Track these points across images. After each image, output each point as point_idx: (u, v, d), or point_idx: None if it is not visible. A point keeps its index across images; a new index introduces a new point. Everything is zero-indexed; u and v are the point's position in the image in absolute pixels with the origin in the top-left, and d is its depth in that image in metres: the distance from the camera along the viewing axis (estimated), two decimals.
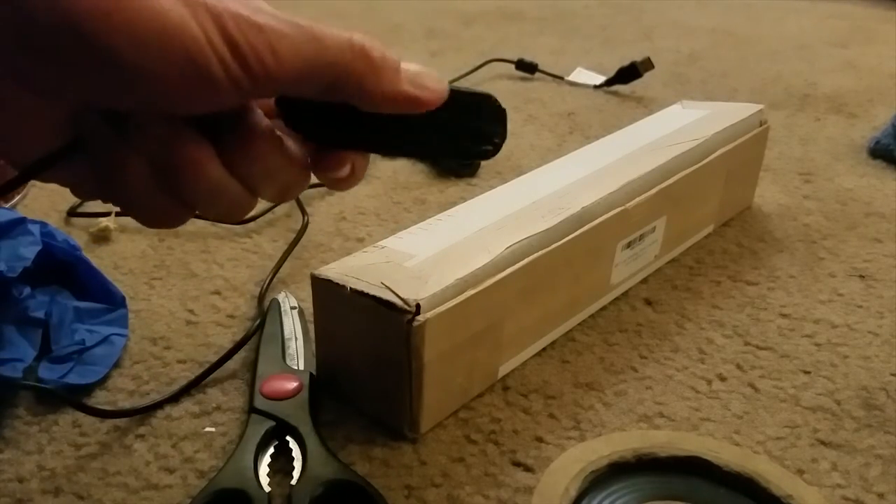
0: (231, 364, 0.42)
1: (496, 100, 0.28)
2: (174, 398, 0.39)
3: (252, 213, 0.58)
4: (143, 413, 0.38)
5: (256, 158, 0.27)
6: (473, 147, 0.29)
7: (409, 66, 0.27)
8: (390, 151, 0.30)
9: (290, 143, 0.28)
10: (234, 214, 0.28)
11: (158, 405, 0.39)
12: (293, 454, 0.34)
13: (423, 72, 0.27)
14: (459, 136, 0.29)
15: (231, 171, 0.26)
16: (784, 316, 0.47)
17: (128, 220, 0.57)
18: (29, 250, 0.42)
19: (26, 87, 0.24)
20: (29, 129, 0.26)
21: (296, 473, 0.33)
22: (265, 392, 0.37)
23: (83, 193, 0.29)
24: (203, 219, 0.28)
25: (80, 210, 0.58)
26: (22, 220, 0.43)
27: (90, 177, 0.27)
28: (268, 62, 0.23)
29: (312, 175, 0.29)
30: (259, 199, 0.28)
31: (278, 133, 0.27)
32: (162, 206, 0.27)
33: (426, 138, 0.28)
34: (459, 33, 1.13)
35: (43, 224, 0.44)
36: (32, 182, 0.63)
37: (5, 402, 0.39)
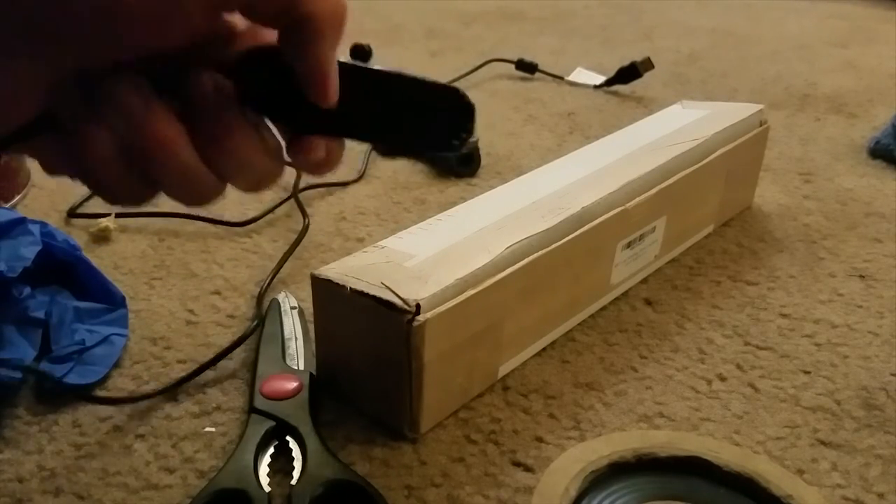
0: (231, 364, 0.42)
1: (463, 94, 0.28)
2: (172, 389, 0.39)
3: (253, 214, 0.58)
4: (145, 399, 0.38)
5: (231, 149, 0.26)
6: (439, 140, 0.29)
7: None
8: (352, 136, 0.29)
9: (266, 134, 0.27)
10: (201, 200, 0.27)
11: (158, 393, 0.39)
12: (293, 454, 0.34)
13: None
14: (424, 127, 0.28)
15: (203, 157, 0.26)
16: (784, 316, 0.47)
17: (128, 220, 0.57)
18: (29, 250, 0.42)
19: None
20: (7, 102, 0.24)
21: (296, 473, 0.33)
22: (265, 392, 0.37)
23: (53, 169, 0.28)
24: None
25: (80, 210, 0.58)
26: (22, 220, 0.43)
27: (60, 152, 0.26)
28: None
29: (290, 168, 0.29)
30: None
31: (253, 123, 0.27)
32: (128, 186, 0.26)
33: (389, 125, 0.28)
34: (459, 33, 1.13)
35: (43, 224, 0.44)
36: (32, 182, 0.63)
37: (5, 401, 0.39)
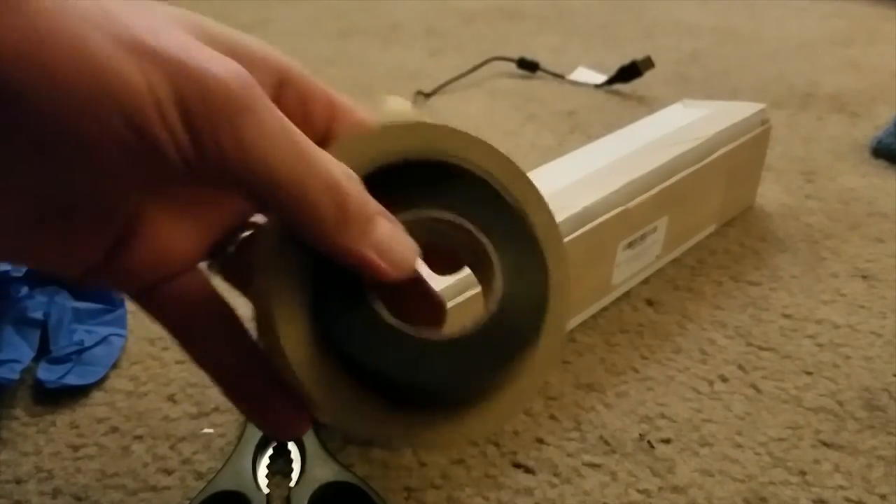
0: None
1: None
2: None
3: None
4: None
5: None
6: None
7: (382, 226, 0.22)
8: None
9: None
10: None
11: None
12: (292, 456, 0.34)
13: (395, 238, 0.22)
14: None
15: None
16: (786, 316, 0.46)
17: None
18: None
19: None
20: None
21: (294, 475, 0.33)
22: None
23: None
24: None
25: None
26: None
27: None
28: (227, 151, 0.19)
29: None
30: None
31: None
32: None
33: None
34: (460, 31, 1.12)
35: None
36: None
37: (3, 402, 0.39)
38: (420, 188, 0.25)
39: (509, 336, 0.24)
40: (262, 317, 0.23)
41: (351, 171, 0.21)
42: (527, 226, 0.25)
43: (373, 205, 0.22)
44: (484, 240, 0.25)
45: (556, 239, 0.26)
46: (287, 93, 0.23)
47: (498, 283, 0.24)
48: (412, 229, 0.23)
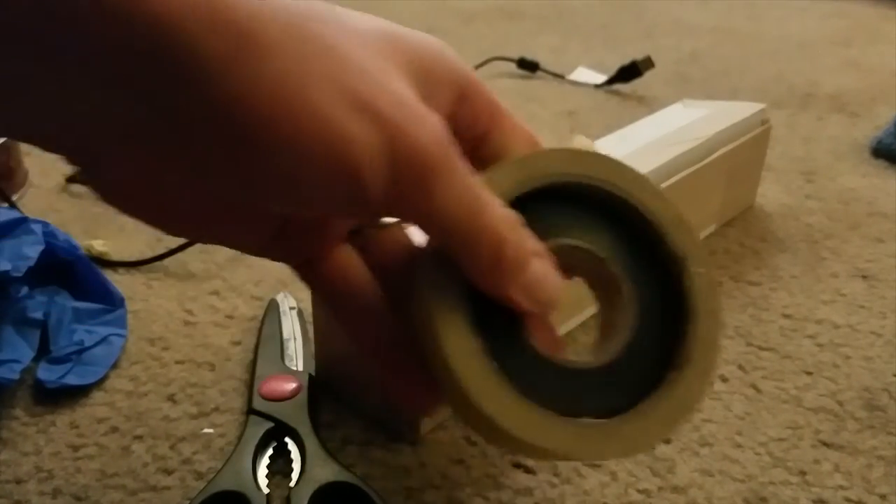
0: (230, 365, 0.42)
1: None
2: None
3: None
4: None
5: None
6: None
7: (533, 268, 0.24)
8: None
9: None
10: None
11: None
12: (292, 456, 0.34)
13: (544, 279, 0.25)
14: None
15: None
16: (786, 316, 0.46)
17: (126, 221, 0.57)
18: (32, 249, 0.42)
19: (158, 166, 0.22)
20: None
21: (294, 475, 0.33)
22: (264, 393, 0.37)
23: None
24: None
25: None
26: (24, 220, 0.43)
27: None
28: (419, 203, 0.22)
29: None
30: None
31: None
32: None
33: None
34: (459, 31, 1.12)
35: (45, 223, 0.44)
36: (30, 182, 0.63)
37: (3, 403, 0.39)
38: (575, 214, 0.28)
39: (650, 363, 0.27)
40: (424, 327, 0.25)
41: (515, 217, 0.24)
42: (679, 272, 0.28)
43: (528, 247, 0.25)
44: (620, 274, 0.28)
45: (712, 291, 0.28)
46: (463, 107, 0.26)
47: (629, 315, 0.27)
48: (555, 253, 0.26)
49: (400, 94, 0.22)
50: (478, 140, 0.27)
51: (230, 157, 0.20)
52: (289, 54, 0.20)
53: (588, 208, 0.28)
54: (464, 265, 0.24)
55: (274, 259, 0.28)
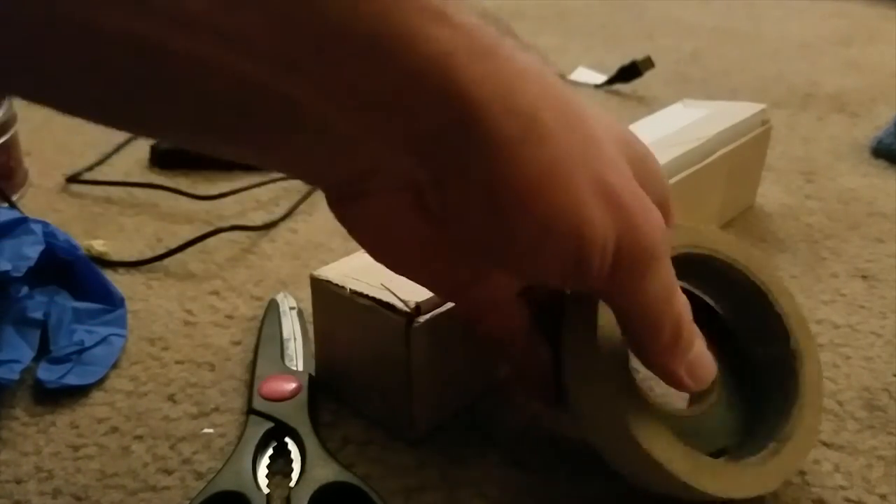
0: (230, 365, 0.42)
1: None
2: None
3: (255, 215, 0.58)
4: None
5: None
6: None
7: (696, 349, 0.28)
8: None
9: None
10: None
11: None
12: (292, 456, 0.34)
13: (703, 359, 0.28)
14: None
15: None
16: None
17: (125, 220, 0.57)
18: (33, 249, 0.42)
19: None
20: None
21: (294, 475, 0.33)
22: (264, 393, 0.37)
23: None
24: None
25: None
26: (24, 220, 0.43)
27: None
28: (628, 290, 0.25)
29: None
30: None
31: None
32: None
33: None
34: None
35: (45, 223, 0.44)
36: (30, 182, 0.63)
37: (3, 403, 0.39)
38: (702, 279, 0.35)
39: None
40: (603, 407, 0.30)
41: (686, 300, 0.27)
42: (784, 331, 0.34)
43: (695, 330, 0.28)
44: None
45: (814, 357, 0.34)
46: None
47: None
48: None
49: (636, 187, 0.24)
50: None
51: (489, 223, 0.23)
52: (561, 140, 0.22)
53: (708, 277, 0.34)
54: (641, 341, 0.27)
55: (451, 300, 0.33)
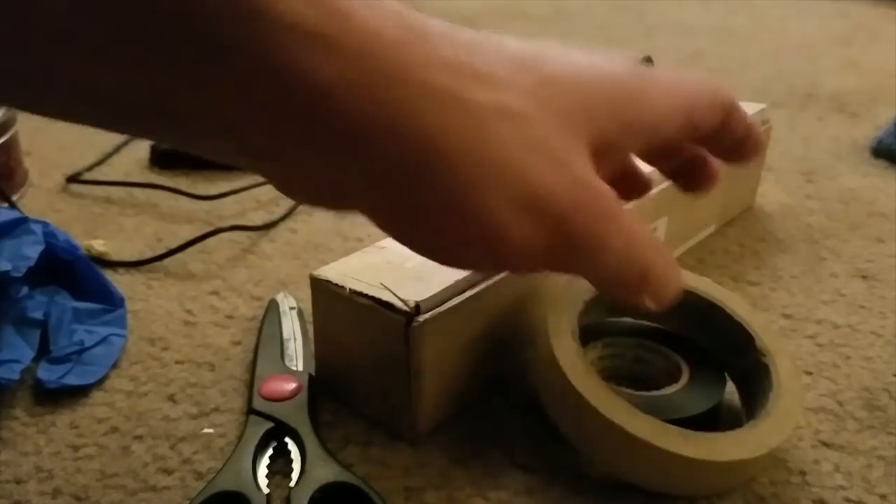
0: (230, 365, 0.42)
1: None
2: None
3: (255, 215, 0.58)
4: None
5: None
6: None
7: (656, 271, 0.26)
8: None
9: None
10: None
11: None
12: (292, 456, 0.34)
13: (667, 280, 0.26)
14: None
15: None
16: (786, 316, 0.46)
17: (125, 220, 0.57)
18: (33, 249, 0.42)
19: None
20: None
21: (294, 475, 0.33)
22: (264, 393, 0.37)
23: None
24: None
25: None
26: (24, 220, 0.43)
27: None
28: (574, 268, 0.25)
29: None
30: None
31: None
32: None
33: None
34: None
35: (45, 223, 0.44)
36: (30, 182, 0.63)
37: (3, 403, 0.39)
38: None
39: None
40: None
41: (651, 233, 0.27)
42: (764, 367, 0.36)
43: (665, 255, 0.27)
44: (682, 364, 0.38)
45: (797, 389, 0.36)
46: (728, 124, 0.29)
47: (685, 377, 0.37)
48: (623, 352, 0.39)
49: (574, 176, 0.23)
50: (737, 143, 0.30)
51: (409, 243, 0.24)
52: (462, 168, 0.21)
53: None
54: (614, 295, 0.27)
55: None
